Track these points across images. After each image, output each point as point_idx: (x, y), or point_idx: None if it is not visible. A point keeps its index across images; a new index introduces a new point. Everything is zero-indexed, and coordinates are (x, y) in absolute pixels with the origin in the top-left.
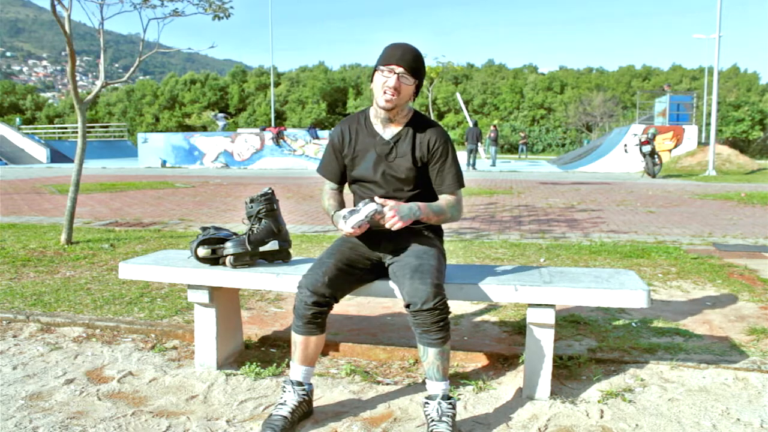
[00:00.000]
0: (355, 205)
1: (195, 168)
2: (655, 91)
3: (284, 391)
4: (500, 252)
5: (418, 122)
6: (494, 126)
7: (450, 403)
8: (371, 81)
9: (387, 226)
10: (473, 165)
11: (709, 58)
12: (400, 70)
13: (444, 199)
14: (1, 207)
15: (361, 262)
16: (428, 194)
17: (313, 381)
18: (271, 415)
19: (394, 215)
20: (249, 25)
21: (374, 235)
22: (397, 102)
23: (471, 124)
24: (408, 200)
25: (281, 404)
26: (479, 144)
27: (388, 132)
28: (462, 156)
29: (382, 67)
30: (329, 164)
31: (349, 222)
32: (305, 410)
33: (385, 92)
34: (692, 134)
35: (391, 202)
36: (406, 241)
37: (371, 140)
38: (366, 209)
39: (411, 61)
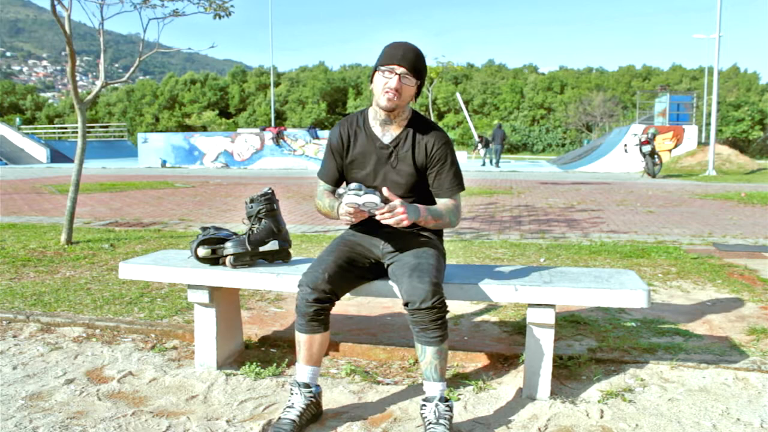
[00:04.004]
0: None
1: (195, 168)
2: (654, 91)
3: (291, 394)
4: (500, 252)
5: (418, 124)
6: (480, 136)
7: (448, 406)
8: (371, 81)
9: (392, 222)
10: (497, 163)
11: (709, 58)
12: (401, 70)
13: (443, 204)
14: (1, 207)
15: (360, 261)
16: (427, 199)
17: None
18: (279, 418)
19: (403, 212)
20: (249, 25)
21: (373, 236)
22: (399, 103)
23: (496, 126)
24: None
25: (289, 407)
26: (501, 145)
27: (388, 135)
28: (462, 156)
29: (382, 68)
30: (328, 167)
31: (345, 199)
32: (314, 413)
33: (386, 92)
34: (692, 134)
35: (398, 200)
36: (405, 241)
37: (371, 144)
38: (367, 198)
39: (413, 61)
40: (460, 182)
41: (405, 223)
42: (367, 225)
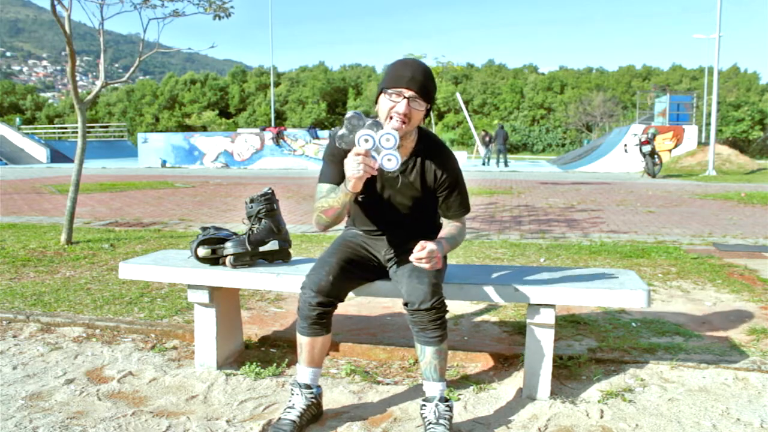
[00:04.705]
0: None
1: (195, 168)
2: (650, 92)
3: (292, 394)
4: (500, 252)
5: (426, 146)
6: (484, 131)
7: (447, 406)
8: (375, 103)
9: (429, 267)
10: (505, 163)
11: (709, 58)
12: (410, 93)
13: (454, 227)
14: (1, 207)
15: (362, 262)
16: (428, 218)
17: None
18: (279, 419)
19: (438, 256)
20: (249, 25)
21: (376, 240)
22: (408, 129)
23: (498, 126)
24: (409, 224)
25: (289, 408)
26: (504, 145)
27: None
28: (462, 156)
29: (389, 91)
30: (332, 171)
31: (359, 133)
32: (314, 413)
33: (392, 118)
34: (692, 134)
35: (430, 245)
36: (408, 245)
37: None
38: (385, 131)
39: (423, 83)
40: (467, 206)
41: (439, 265)
42: (370, 229)
